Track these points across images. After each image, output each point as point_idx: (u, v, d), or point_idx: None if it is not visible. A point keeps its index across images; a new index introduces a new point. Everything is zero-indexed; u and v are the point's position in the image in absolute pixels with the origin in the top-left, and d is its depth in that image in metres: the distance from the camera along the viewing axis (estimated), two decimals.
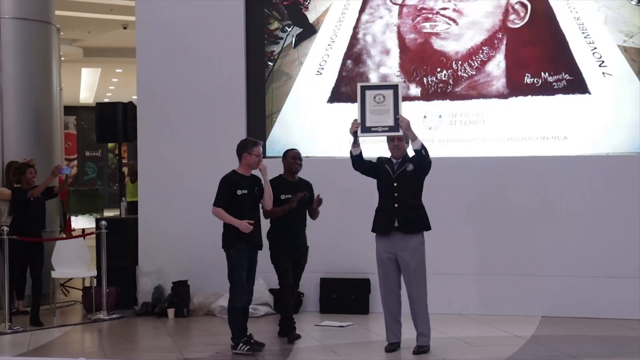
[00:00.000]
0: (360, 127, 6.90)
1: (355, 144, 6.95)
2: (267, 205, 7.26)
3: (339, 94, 9.23)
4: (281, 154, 7.73)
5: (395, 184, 6.93)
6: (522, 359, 6.62)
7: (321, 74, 9.27)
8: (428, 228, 7.00)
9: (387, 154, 7.15)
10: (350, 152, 7.01)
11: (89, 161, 31.06)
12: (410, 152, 7.01)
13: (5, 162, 9.38)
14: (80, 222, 11.77)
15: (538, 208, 8.67)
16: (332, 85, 9.24)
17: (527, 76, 8.79)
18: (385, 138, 7.12)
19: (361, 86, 7.02)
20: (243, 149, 7.15)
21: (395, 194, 6.91)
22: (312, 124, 9.29)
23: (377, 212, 7.05)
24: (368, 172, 7.11)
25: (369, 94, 6.93)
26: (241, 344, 6.98)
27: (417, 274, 6.89)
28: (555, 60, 8.77)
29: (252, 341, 7.06)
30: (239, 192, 7.05)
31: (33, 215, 8.66)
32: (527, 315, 8.45)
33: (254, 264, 7.15)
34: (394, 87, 6.92)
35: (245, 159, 7.12)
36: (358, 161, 7.02)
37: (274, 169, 7.65)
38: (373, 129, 6.91)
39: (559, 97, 8.71)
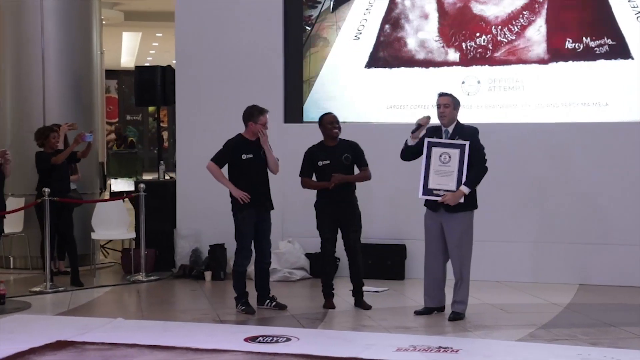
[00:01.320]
0: (423, 189, 6.82)
1: (414, 134, 6.86)
2: (274, 170, 7.27)
3: (376, 59, 9.17)
4: (318, 120, 7.68)
5: None
6: (557, 326, 6.58)
7: (359, 38, 9.21)
8: (473, 207, 6.89)
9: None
10: (406, 142, 6.93)
11: (129, 125, 31.31)
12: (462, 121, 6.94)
13: (47, 124, 9.44)
14: (120, 185, 11.89)
15: (576, 175, 8.58)
16: (370, 50, 9.18)
17: (568, 41, 8.65)
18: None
19: (428, 142, 6.83)
20: (249, 117, 7.15)
21: None
22: (350, 89, 9.26)
23: None
24: (415, 156, 7.02)
25: (435, 151, 6.80)
26: (239, 304, 7.19)
27: (462, 243, 6.85)
28: (598, 24, 8.62)
29: (275, 302, 7.26)
30: (243, 156, 7.08)
31: (57, 178, 8.65)
32: (564, 283, 8.40)
33: (265, 227, 7.21)
34: (461, 147, 6.74)
35: (251, 126, 7.14)
36: (411, 151, 6.94)
37: (312, 133, 7.64)
38: (434, 192, 6.81)
39: (601, 63, 8.56)
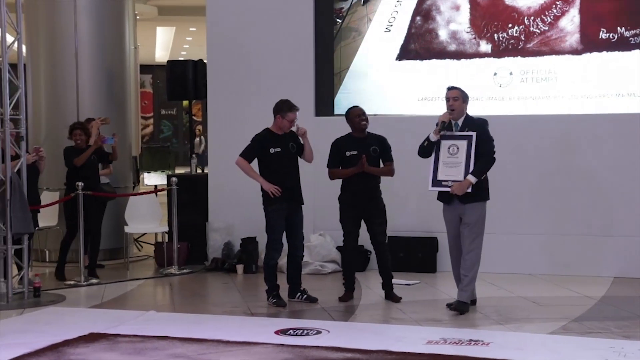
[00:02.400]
0: (432, 181, 6.88)
1: (436, 132, 6.86)
2: (308, 159, 7.33)
3: (407, 51, 9.14)
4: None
5: None
6: (590, 319, 6.52)
7: (390, 30, 9.18)
8: (484, 198, 6.87)
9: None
10: (428, 138, 6.92)
11: (164, 119, 31.51)
12: (472, 113, 6.92)
13: (81, 119, 9.54)
14: (153, 179, 11.97)
15: (611, 167, 8.49)
16: (401, 42, 9.14)
17: (603, 31, 8.54)
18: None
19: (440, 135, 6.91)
20: (278, 111, 7.16)
21: None
22: (381, 82, 9.23)
23: None
24: (432, 153, 7.01)
25: (444, 144, 6.86)
26: (270, 297, 7.21)
27: (472, 233, 6.82)
28: (633, 13, 8.50)
29: (306, 295, 7.29)
30: (271, 150, 7.10)
31: (84, 176, 8.61)
32: (599, 276, 8.32)
33: (297, 220, 7.23)
34: (469, 138, 6.77)
35: (278, 121, 7.16)
36: (431, 148, 6.92)
37: (343, 126, 7.63)
38: (443, 183, 6.84)
39: (636, 53, 8.45)
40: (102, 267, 9.36)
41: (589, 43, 8.60)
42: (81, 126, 8.79)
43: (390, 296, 7.37)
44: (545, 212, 8.65)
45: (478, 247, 6.84)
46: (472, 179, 6.73)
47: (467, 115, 6.91)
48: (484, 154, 6.76)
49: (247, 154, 7.20)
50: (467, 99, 6.93)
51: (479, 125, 6.85)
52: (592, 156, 8.55)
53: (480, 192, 6.80)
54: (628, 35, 8.49)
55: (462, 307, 6.80)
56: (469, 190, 6.73)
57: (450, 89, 6.96)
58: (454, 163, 6.81)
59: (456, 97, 6.86)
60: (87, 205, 8.52)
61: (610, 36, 8.54)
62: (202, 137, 26.82)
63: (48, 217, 9.39)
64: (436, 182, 6.89)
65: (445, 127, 6.87)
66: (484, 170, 6.78)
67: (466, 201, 6.80)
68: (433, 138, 6.91)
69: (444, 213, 7.02)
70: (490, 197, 6.95)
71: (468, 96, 6.95)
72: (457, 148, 6.81)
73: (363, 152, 7.25)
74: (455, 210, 6.89)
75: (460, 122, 6.89)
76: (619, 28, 8.51)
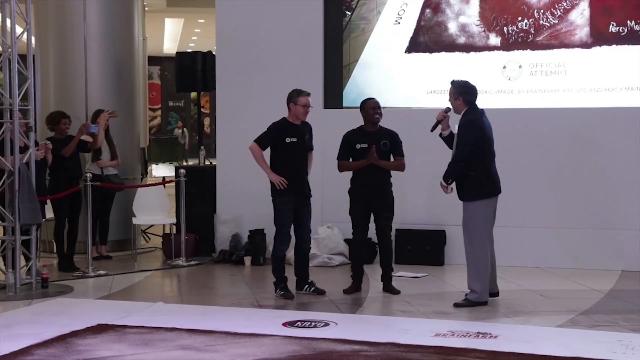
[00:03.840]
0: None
1: (434, 129, 7.00)
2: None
3: (417, 44, 9.11)
4: (358, 105, 7.64)
5: None
6: (598, 312, 6.51)
7: (399, 23, 9.16)
8: (477, 197, 6.80)
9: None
10: (441, 135, 7.03)
11: (172, 111, 31.53)
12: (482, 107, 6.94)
13: (90, 111, 9.58)
14: (161, 170, 11.98)
15: (621, 161, 8.46)
16: (410, 34, 9.12)
17: (612, 25, 8.50)
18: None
19: (450, 132, 7.02)
20: (290, 98, 7.18)
21: None
22: (390, 74, 9.21)
23: None
24: None
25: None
26: (278, 289, 7.21)
27: (467, 230, 6.85)
28: None
29: (314, 287, 7.30)
30: (287, 139, 7.09)
31: (69, 166, 8.64)
32: (607, 269, 8.31)
33: (305, 212, 7.22)
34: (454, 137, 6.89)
35: (292, 109, 7.15)
36: (448, 141, 7.00)
37: (352, 119, 7.63)
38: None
39: None
40: (110, 258, 9.38)
41: (599, 36, 8.56)
42: (65, 114, 8.81)
43: (389, 288, 7.38)
44: (553, 205, 8.63)
45: (476, 245, 6.79)
46: (442, 181, 6.83)
47: (467, 109, 6.84)
48: (452, 158, 6.85)
49: (262, 141, 7.18)
50: (463, 96, 6.82)
51: (462, 125, 6.82)
52: (601, 150, 8.53)
53: (471, 191, 6.79)
54: (638, 29, 8.45)
55: (468, 304, 6.78)
56: (449, 192, 6.86)
57: (450, 84, 7.00)
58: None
59: (450, 95, 6.91)
60: (72, 198, 8.57)
61: (620, 29, 8.50)
62: (184, 129, 26.83)
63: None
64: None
65: (437, 124, 6.96)
66: (448, 176, 6.81)
67: (461, 199, 6.89)
68: (444, 134, 7.01)
69: None
70: (497, 193, 6.92)
71: (466, 92, 6.84)
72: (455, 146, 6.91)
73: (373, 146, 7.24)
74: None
75: (459, 118, 6.92)
76: (628, 21, 8.48)
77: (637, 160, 8.40)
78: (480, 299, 6.80)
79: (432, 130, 6.99)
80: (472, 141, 6.73)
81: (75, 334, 5.80)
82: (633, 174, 8.41)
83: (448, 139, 6.98)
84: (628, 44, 8.46)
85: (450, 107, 6.93)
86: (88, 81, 9.87)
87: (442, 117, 6.95)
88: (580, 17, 8.61)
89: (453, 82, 6.94)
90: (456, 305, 6.78)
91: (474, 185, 6.79)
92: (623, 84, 8.50)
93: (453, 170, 6.80)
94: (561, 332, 5.93)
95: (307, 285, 7.32)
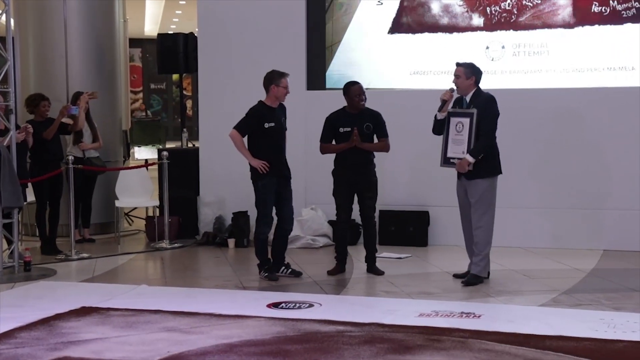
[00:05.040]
0: (442, 158, 6.95)
1: (442, 109, 6.91)
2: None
3: (400, 25, 9.09)
4: (341, 86, 7.60)
5: None
6: (581, 291, 6.55)
7: (382, 4, 9.13)
8: (489, 174, 6.85)
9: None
10: (435, 116, 6.97)
11: (154, 94, 31.34)
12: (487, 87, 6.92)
13: (71, 92, 9.51)
14: (143, 153, 11.93)
15: (602, 140, 8.50)
16: (393, 15, 9.09)
17: (595, 4, 8.51)
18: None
19: (448, 112, 6.92)
20: (271, 81, 7.11)
21: None
22: (373, 56, 9.19)
23: None
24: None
25: (453, 121, 6.88)
26: (262, 271, 7.22)
27: (478, 209, 6.83)
28: None
29: (290, 270, 7.29)
30: (266, 124, 7.07)
31: (50, 148, 8.57)
32: (589, 249, 8.36)
33: (286, 194, 7.21)
34: (471, 116, 6.75)
35: (273, 91, 7.10)
36: (440, 125, 6.96)
37: (335, 100, 7.61)
38: (451, 160, 6.88)
39: (628, 27, 8.43)
40: (93, 241, 9.35)
41: (581, 16, 8.57)
42: (45, 96, 8.74)
43: (373, 269, 7.40)
44: (536, 186, 8.67)
45: (487, 223, 6.85)
46: (469, 158, 6.73)
47: (477, 90, 6.87)
48: (483, 133, 6.75)
49: (242, 128, 7.14)
50: (473, 75, 6.85)
51: (483, 101, 6.81)
52: (583, 130, 8.56)
53: (484, 169, 6.79)
54: (620, 9, 8.47)
55: (474, 280, 6.84)
56: (470, 168, 6.73)
57: (456, 65, 6.94)
58: (460, 140, 6.82)
59: (458, 75, 6.86)
60: (53, 181, 8.52)
61: (603, 9, 8.51)
62: (147, 111, 26.69)
63: None
64: (446, 160, 6.95)
65: (444, 105, 6.90)
66: (481, 150, 6.74)
67: (469, 177, 6.83)
68: (439, 116, 6.96)
69: (457, 186, 7.06)
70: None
71: (477, 71, 6.89)
72: (462, 125, 6.81)
73: (357, 128, 7.20)
74: (462, 185, 6.95)
75: (468, 98, 6.88)
76: (611, 1, 8.49)
77: (620, 140, 8.44)
78: (482, 273, 6.89)
79: (439, 111, 6.93)
80: (498, 114, 6.80)
81: (58, 316, 5.78)
82: (616, 154, 8.45)
83: (441, 122, 6.96)
84: (610, 24, 8.47)
85: (454, 87, 6.91)
86: (68, 63, 9.78)
87: (449, 97, 6.92)
88: None
89: (461, 63, 6.92)
90: (464, 283, 6.82)
91: (491, 160, 6.83)
92: (606, 64, 8.52)
93: (487, 144, 6.75)
94: (544, 311, 5.96)
95: (283, 268, 7.31)
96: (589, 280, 7.10)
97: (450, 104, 6.96)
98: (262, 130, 7.07)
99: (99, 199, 9.57)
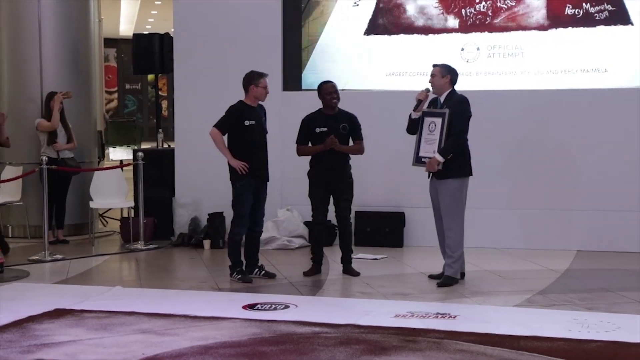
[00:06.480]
0: (414, 157, 6.97)
1: (417, 108, 6.94)
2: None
3: (375, 26, 9.11)
4: (316, 88, 7.61)
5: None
6: (554, 292, 6.60)
7: (358, 5, 9.14)
8: (459, 174, 6.87)
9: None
10: (410, 115, 6.99)
11: (129, 94, 31.19)
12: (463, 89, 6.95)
13: (45, 92, 9.45)
14: (118, 154, 11.87)
15: (576, 142, 8.57)
16: (369, 17, 9.11)
17: (568, 7, 8.59)
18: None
19: (422, 112, 6.95)
20: (250, 80, 7.09)
21: None
22: (349, 57, 9.20)
23: None
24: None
25: (426, 121, 6.91)
26: (235, 273, 7.18)
27: (448, 210, 6.87)
28: None
29: (264, 271, 7.27)
30: (246, 122, 7.04)
31: None
32: (563, 249, 8.42)
33: (262, 196, 7.20)
34: (443, 115, 6.78)
35: (253, 91, 7.09)
36: (415, 124, 6.99)
37: (311, 101, 7.61)
38: (423, 160, 6.90)
39: (600, 29, 8.51)
40: (67, 242, 9.28)
41: (555, 19, 8.64)
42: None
43: (349, 270, 7.40)
44: (510, 187, 8.72)
45: (457, 224, 6.88)
46: (438, 157, 6.77)
47: (451, 91, 6.91)
48: (453, 133, 6.78)
49: (222, 126, 7.10)
50: (449, 74, 6.89)
51: (456, 102, 6.85)
52: (556, 131, 8.63)
53: (454, 169, 6.82)
54: (593, 11, 8.54)
55: (448, 282, 6.87)
56: (439, 167, 6.77)
57: (433, 66, 6.98)
58: (432, 140, 6.85)
59: (433, 74, 6.91)
60: None
61: (576, 12, 8.59)
62: (105, 113, 26.52)
63: (12, 193, 9.27)
64: (418, 159, 6.97)
65: (419, 105, 6.92)
66: (449, 150, 6.77)
67: (440, 177, 6.86)
68: (413, 115, 6.99)
69: (429, 186, 7.08)
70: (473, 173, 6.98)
71: (452, 71, 6.93)
72: (435, 125, 6.84)
73: (333, 129, 7.23)
74: (433, 185, 6.98)
75: (442, 98, 6.92)
76: (584, 4, 8.57)
77: (592, 141, 8.51)
78: (456, 274, 6.91)
79: (414, 110, 6.96)
80: (469, 115, 6.83)
81: (32, 319, 5.73)
82: (588, 155, 8.53)
83: (415, 122, 6.99)
84: (583, 26, 8.55)
85: (430, 87, 6.94)
86: (43, 63, 9.71)
87: (424, 97, 6.96)
88: None
89: (437, 64, 6.96)
90: (439, 285, 6.84)
91: (461, 161, 6.85)
92: (579, 65, 8.59)
93: (456, 144, 6.77)
94: (519, 312, 6.00)
95: (257, 269, 7.30)
96: (562, 280, 7.16)
97: (426, 104, 7.00)
98: (243, 127, 7.05)
99: (73, 199, 9.51)
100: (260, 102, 7.17)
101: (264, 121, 7.21)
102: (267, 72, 7.30)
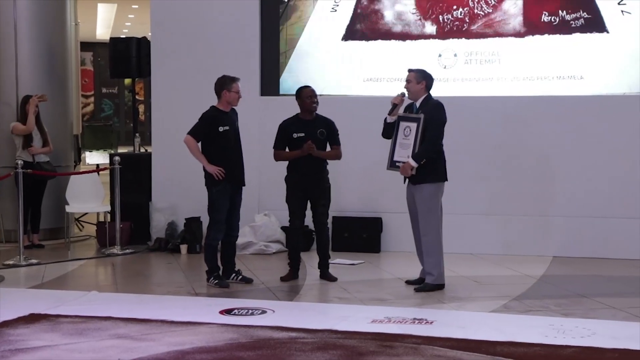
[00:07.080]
0: (389, 161, 6.99)
1: (392, 112, 6.96)
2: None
3: (353, 32, 9.13)
4: (294, 92, 7.60)
5: None
6: (530, 297, 6.63)
7: (336, 11, 9.16)
8: (434, 179, 6.90)
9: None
10: (385, 119, 7.00)
11: (105, 98, 31.03)
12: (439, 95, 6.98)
13: (20, 96, 9.38)
14: (94, 158, 11.81)
15: (552, 148, 8.63)
16: (347, 22, 9.13)
17: (545, 14, 8.65)
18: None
19: (398, 116, 6.97)
20: (222, 85, 7.08)
21: None
22: (326, 62, 9.21)
23: None
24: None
25: (402, 125, 6.93)
26: (212, 278, 7.15)
27: (423, 215, 6.89)
28: None
29: (241, 276, 7.25)
30: (221, 128, 7.03)
31: None
32: (539, 255, 8.48)
33: (237, 200, 7.19)
34: (418, 120, 6.80)
35: (225, 96, 7.07)
36: (389, 128, 7.00)
37: (288, 106, 7.61)
38: (397, 164, 6.93)
39: (576, 36, 8.58)
40: (42, 247, 9.21)
41: (531, 26, 8.70)
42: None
43: (326, 275, 7.41)
44: (485, 192, 8.76)
45: (433, 229, 6.89)
46: (412, 162, 6.80)
47: (427, 96, 6.93)
48: (427, 139, 6.80)
49: (197, 133, 7.08)
50: (424, 80, 6.92)
51: (431, 108, 6.87)
52: (532, 138, 8.68)
53: (429, 174, 6.84)
54: (569, 19, 8.61)
55: (427, 288, 6.88)
56: (413, 172, 6.79)
57: (408, 71, 7.01)
58: (407, 145, 6.86)
59: (409, 80, 6.93)
60: None
61: (552, 19, 8.65)
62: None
63: None
64: (392, 163, 6.99)
65: (394, 109, 6.94)
66: (423, 155, 6.80)
67: (415, 182, 6.88)
68: (388, 119, 7.01)
69: (406, 192, 7.09)
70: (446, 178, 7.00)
71: (428, 77, 6.95)
72: (410, 130, 6.86)
73: (310, 135, 7.23)
74: (410, 191, 6.99)
75: (418, 103, 6.94)
76: (560, 11, 8.63)
77: (568, 148, 8.58)
78: (438, 281, 6.91)
79: (389, 114, 6.98)
80: (444, 121, 6.85)
81: (6, 324, 5.67)
82: (564, 161, 8.59)
83: (390, 126, 7.00)
84: (559, 34, 8.62)
85: (406, 92, 6.96)
86: (18, 66, 9.64)
87: (400, 101, 6.97)
88: (513, 6, 8.73)
89: (413, 69, 6.99)
90: (417, 290, 6.86)
91: (436, 166, 6.87)
92: (555, 72, 8.66)
93: (430, 150, 6.79)
94: (495, 317, 6.02)
95: (234, 274, 7.28)
96: (538, 286, 7.20)
97: (401, 109, 7.02)
98: (217, 134, 7.03)
99: (49, 204, 9.45)
100: (233, 107, 7.16)
101: (237, 125, 7.19)
102: (245, 77, 7.31)
